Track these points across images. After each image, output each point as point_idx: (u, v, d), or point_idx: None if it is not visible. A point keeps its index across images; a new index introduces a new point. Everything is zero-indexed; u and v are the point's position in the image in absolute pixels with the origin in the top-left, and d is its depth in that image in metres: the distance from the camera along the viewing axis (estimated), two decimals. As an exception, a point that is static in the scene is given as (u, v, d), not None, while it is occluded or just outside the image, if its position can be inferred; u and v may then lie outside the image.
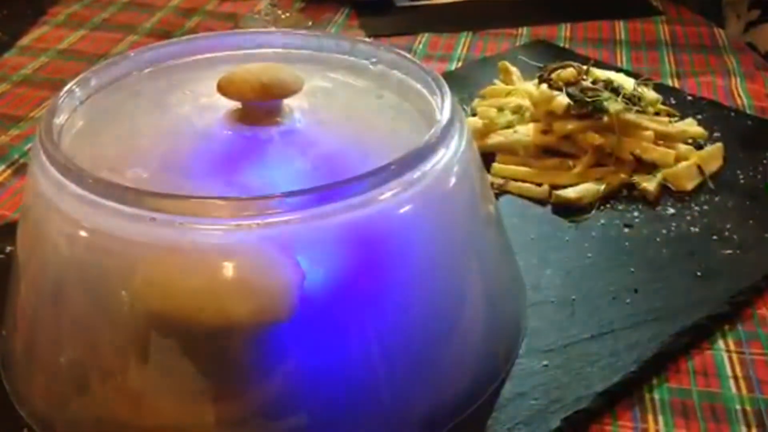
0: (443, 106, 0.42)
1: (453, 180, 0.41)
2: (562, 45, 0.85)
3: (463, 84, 0.74)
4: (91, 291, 0.39)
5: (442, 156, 0.40)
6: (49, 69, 0.82)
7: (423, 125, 0.43)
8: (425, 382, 0.41)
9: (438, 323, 0.41)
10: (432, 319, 0.41)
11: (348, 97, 0.47)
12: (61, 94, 0.44)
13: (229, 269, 0.36)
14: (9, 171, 0.65)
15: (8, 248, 0.53)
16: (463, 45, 0.86)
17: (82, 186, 0.37)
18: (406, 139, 0.42)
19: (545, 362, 0.45)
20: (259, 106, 0.43)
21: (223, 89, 0.43)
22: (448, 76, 0.75)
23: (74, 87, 0.45)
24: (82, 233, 0.38)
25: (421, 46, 0.86)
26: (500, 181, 0.60)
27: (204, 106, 0.45)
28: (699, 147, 0.63)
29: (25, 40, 0.88)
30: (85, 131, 0.44)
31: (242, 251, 0.36)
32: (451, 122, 0.41)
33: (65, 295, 0.40)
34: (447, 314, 0.41)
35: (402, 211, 0.38)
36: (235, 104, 0.43)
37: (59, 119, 0.43)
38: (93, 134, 0.44)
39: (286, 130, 0.43)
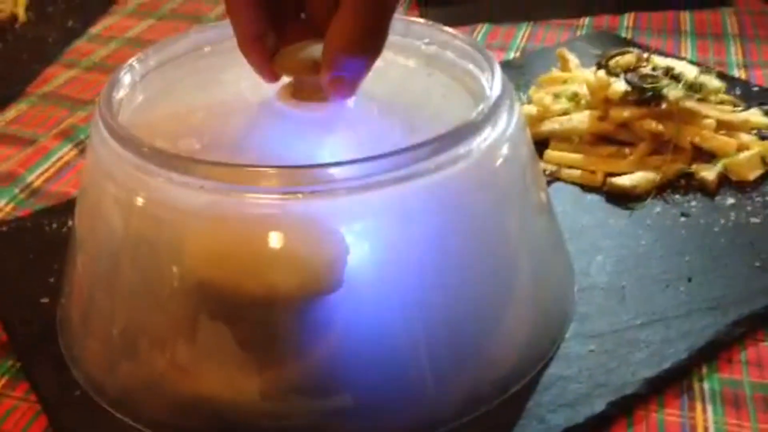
0: (493, 83, 0.42)
1: (501, 158, 0.41)
2: (623, 35, 0.83)
3: (520, 72, 0.73)
4: (142, 258, 0.40)
5: (491, 132, 0.40)
6: (117, 56, 0.84)
7: (473, 104, 0.43)
8: (469, 359, 0.41)
9: (482, 300, 0.41)
10: (476, 296, 0.40)
11: (399, 75, 0.47)
12: (122, 69, 0.45)
13: (275, 239, 0.37)
14: (75, 151, 0.67)
15: (71, 222, 0.55)
16: (522, 35, 0.85)
17: (135, 153, 0.38)
18: (456, 116, 0.41)
19: (592, 347, 0.44)
20: (311, 81, 0.43)
21: (277, 64, 0.43)
22: (506, 65, 0.75)
23: (134, 63, 0.46)
24: (136, 201, 0.39)
25: (479, 36, 0.85)
26: (553, 167, 0.59)
27: (258, 82, 0.46)
28: (763, 138, 0.61)
29: (95, 29, 0.91)
30: (144, 106, 0.46)
31: (289, 221, 0.37)
32: (500, 99, 0.41)
33: (118, 263, 0.41)
34: (492, 291, 0.41)
35: (448, 185, 0.38)
36: (288, 80, 0.44)
37: (119, 93, 0.44)
38: (151, 109, 0.46)
39: (336, 106, 0.43)
